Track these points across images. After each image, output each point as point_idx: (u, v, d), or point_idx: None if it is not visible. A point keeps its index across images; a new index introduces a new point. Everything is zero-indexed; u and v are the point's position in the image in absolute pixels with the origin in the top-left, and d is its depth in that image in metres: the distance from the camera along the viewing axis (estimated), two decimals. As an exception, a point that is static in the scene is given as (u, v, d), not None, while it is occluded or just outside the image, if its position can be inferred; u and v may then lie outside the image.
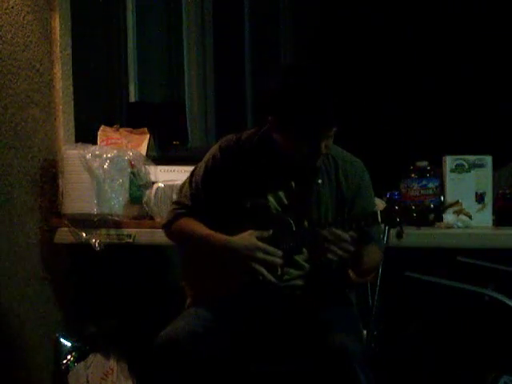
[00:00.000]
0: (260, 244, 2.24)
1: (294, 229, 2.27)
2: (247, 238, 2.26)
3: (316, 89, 2.22)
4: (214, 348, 2.26)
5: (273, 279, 2.24)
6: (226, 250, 2.27)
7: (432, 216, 2.22)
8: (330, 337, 2.14)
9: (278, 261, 2.24)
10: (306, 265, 2.36)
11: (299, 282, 2.36)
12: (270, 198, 2.35)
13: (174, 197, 2.72)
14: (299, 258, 2.34)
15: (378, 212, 2.22)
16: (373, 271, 2.45)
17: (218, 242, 2.29)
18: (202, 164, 2.44)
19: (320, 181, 2.34)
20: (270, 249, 2.24)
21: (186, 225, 2.39)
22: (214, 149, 2.42)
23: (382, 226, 2.39)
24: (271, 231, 2.27)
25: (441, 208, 2.27)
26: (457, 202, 2.33)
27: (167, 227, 2.46)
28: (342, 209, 2.37)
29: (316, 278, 2.36)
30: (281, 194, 2.36)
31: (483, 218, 2.88)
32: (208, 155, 2.43)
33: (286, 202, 2.36)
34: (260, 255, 2.22)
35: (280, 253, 2.24)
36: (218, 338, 2.28)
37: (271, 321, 2.33)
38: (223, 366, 2.29)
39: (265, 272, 2.23)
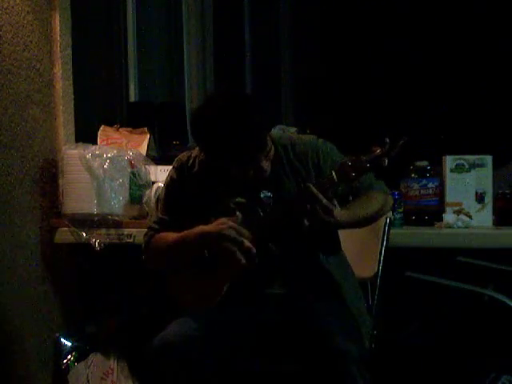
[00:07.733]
0: (231, 223, 2.23)
1: (261, 214, 2.27)
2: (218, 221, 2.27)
3: (221, 131, 2.16)
4: (210, 352, 2.24)
5: (244, 261, 2.21)
6: (202, 237, 2.26)
7: (386, 161, 2.11)
8: (328, 338, 2.12)
9: (249, 244, 2.21)
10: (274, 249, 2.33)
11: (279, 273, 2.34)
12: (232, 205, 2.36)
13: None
14: (273, 246, 2.32)
15: (333, 173, 2.14)
16: (377, 216, 2.37)
17: (193, 234, 2.29)
18: (163, 188, 2.49)
19: (269, 193, 2.31)
20: (242, 229, 2.23)
21: (159, 239, 2.41)
22: (171, 171, 2.46)
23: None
24: (240, 216, 2.27)
25: (392, 154, 2.12)
26: None
27: (144, 253, 2.47)
28: None
29: (291, 256, 2.33)
30: (240, 198, 2.35)
31: (483, 217, 2.89)
32: (167, 178, 2.48)
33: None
34: (232, 233, 2.21)
35: (249, 236, 2.22)
36: (213, 342, 2.26)
37: (267, 323, 2.31)
38: (219, 369, 2.28)
39: (238, 253, 2.20)
